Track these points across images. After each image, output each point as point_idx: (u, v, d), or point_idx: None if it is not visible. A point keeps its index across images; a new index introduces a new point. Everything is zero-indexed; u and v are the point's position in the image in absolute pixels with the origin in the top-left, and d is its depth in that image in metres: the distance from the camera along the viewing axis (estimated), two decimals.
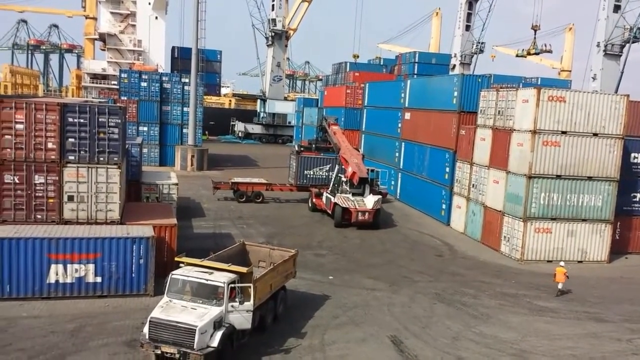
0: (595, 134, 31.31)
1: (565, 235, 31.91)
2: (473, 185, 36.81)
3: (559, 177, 31.31)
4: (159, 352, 16.22)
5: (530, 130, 30.67)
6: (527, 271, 30.02)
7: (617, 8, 78.75)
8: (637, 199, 34.82)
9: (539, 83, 67.19)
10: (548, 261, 31.53)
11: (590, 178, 31.69)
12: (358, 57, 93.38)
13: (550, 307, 24.47)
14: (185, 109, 60.44)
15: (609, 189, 32.07)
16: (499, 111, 33.95)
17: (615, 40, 79.05)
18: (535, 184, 31.11)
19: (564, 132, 30.88)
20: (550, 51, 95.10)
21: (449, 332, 20.94)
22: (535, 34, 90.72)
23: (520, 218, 31.49)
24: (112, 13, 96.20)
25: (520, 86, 39.01)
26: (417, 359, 18.51)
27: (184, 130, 60.70)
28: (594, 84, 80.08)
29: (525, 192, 31.11)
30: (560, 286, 26.03)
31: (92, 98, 78.91)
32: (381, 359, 18.38)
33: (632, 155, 34.08)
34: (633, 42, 79.60)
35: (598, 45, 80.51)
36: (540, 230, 31.56)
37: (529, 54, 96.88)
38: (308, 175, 43.80)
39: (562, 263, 27.46)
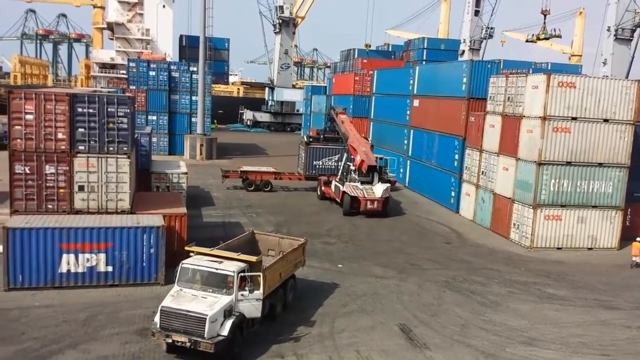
0: (605, 120, 31.05)
1: (575, 222, 31.76)
2: (482, 172, 36.65)
3: (569, 163, 31.11)
4: (170, 340, 16.35)
5: (540, 117, 30.47)
6: (536, 258, 29.96)
7: None
8: None
9: (549, 68, 66.67)
10: (558, 248, 31.50)
11: (600, 164, 31.48)
12: (370, 46, 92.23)
13: (560, 295, 24.43)
14: (193, 97, 60.57)
15: (619, 175, 31.85)
16: (509, 97, 33.72)
17: (625, 24, 78.05)
18: (545, 170, 30.95)
19: (574, 118, 30.67)
20: (559, 36, 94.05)
21: (458, 319, 20.98)
22: (545, 19, 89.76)
23: (530, 205, 31.37)
24: (119, 2, 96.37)
25: (530, 72, 38.69)
26: (426, 346, 18.57)
27: (193, 119, 60.90)
28: (605, 69, 79.22)
29: (535, 179, 30.97)
30: (637, 259, 28.54)
31: (101, 87, 79.25)
32: (390, 347, 18.44)
33: None
34: None
35: (608, 30, 79.54)
36: (550, 217, 31.44)
37: (538, 39, 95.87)
38: (317, 166, 43.94)
39: (638, 238, 29.26)
